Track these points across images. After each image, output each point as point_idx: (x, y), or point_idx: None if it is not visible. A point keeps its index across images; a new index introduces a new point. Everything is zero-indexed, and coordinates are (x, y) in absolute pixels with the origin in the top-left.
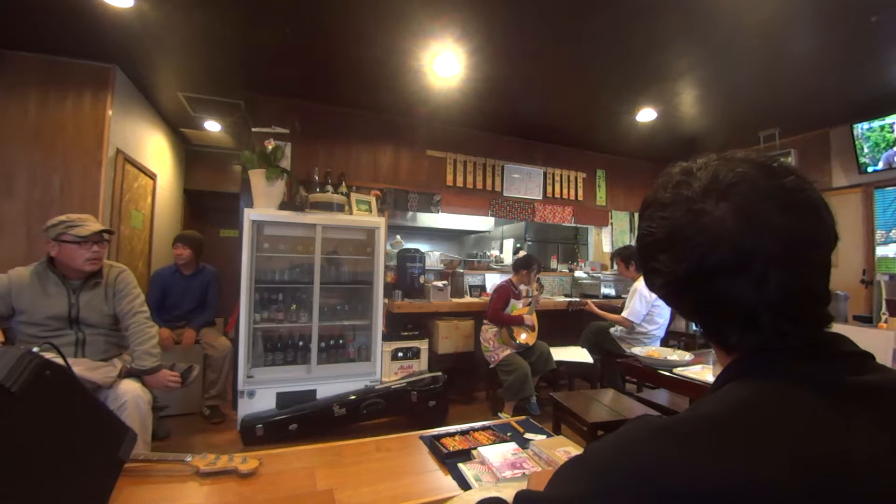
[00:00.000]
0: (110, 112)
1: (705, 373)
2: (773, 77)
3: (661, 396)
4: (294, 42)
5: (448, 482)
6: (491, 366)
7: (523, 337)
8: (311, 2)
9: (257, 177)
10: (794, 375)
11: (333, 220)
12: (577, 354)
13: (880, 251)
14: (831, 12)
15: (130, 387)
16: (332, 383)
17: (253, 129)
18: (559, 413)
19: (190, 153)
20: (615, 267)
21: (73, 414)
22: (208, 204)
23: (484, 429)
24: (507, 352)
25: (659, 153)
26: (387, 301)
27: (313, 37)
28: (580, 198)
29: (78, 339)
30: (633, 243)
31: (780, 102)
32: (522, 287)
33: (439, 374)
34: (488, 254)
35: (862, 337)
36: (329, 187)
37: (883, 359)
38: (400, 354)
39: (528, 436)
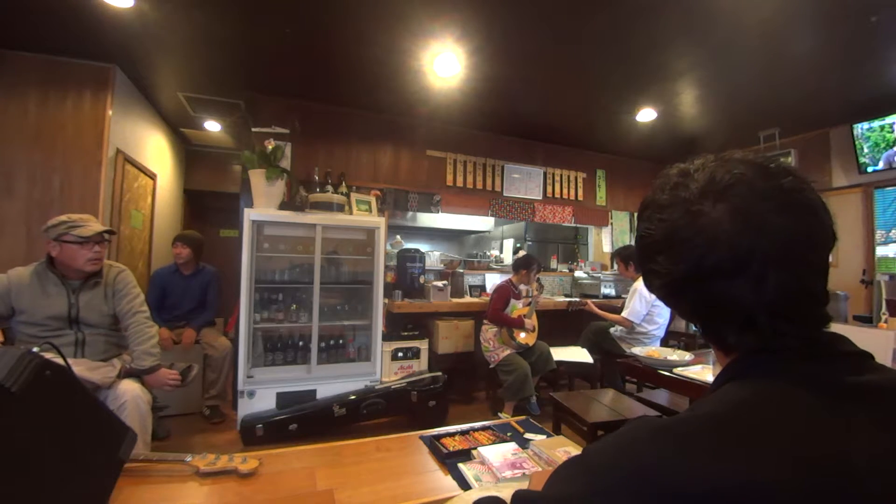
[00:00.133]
0: (110, 112)
1: (705, 373)
2: (773, 77)
3: (661, 396)
4: (294, 42)
5: (448, 482)
6: (491, 366)
7: (523, 337)
8: (311, 2)
9: (257, 177)
10: (793, 375)
11: (333, 220)
12: (577, 354)
13: (880, 251)
14: (831, 12)
15: (130, 387)
16: (332, 383)
17: (253, 129)
18: (559, 413)
19: (190, 153)
20: (615, 267)
21: (73, 414)
22: (208, 204)
23: (484, 429)
24: (507, 352)
25: (659, 153)
26: (387, 301)
27: (313, 37)
28: (580, 198)
29: (77, 339)
30: (633, 243)
31: (780, 102)
32: (522, 287)
33: (439, 374)
34: (488, 254)
35: (862, 337)
36: (329, 187)
37: (883, 359)
38: (400, 354)
39: (528, 436)
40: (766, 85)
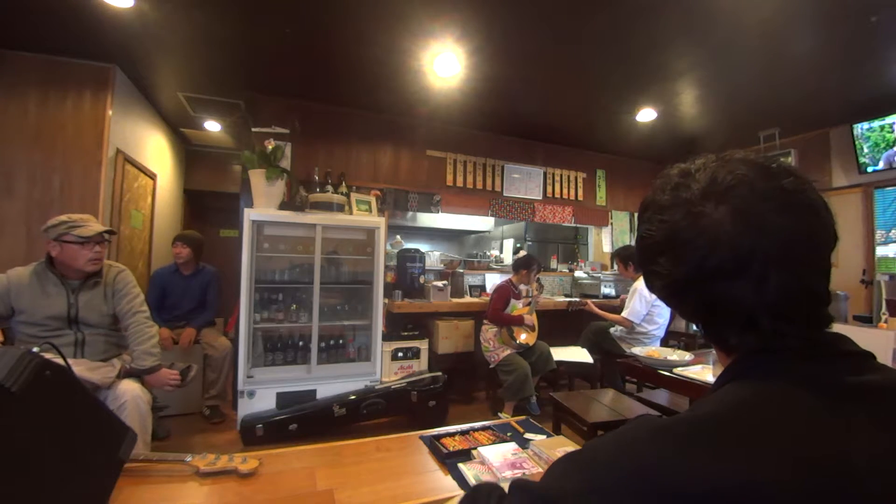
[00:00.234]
0: (110, 112)
1: (705, 373)
2: (773, 77)
3: (661, 396)
4: (294, 42)
5: (448, 482)
6: (491, 366)
7: (523, 337)
8: (311, 2)
9: (257, 177)
10: (794, 376)
11: (333, 220)
12: (577, 354)
13: (880, 251)
14: (831, 12)
15: (130, 387)
16: (332, 383)
17: (253, 129)
18: (559, 413)
19: (190, 153)
20: (615, 267)
21: (73, 414)
22: (208, 204)
23: (484, 429)
24: (507, 352)
25: (659, 153)
26: (387, 301)
27: (313, 37)
28: (580, 198)
29: (77, 339)
30: (633, 243)
31: (780, 102)
32: (522, 287)
33: (439, 374)
34: (488, 254)
35: (862, 337)
36: (329, 187)
37: (883, 359)
38: (400, 354)
39: (528, 436)
40: (766, 85)
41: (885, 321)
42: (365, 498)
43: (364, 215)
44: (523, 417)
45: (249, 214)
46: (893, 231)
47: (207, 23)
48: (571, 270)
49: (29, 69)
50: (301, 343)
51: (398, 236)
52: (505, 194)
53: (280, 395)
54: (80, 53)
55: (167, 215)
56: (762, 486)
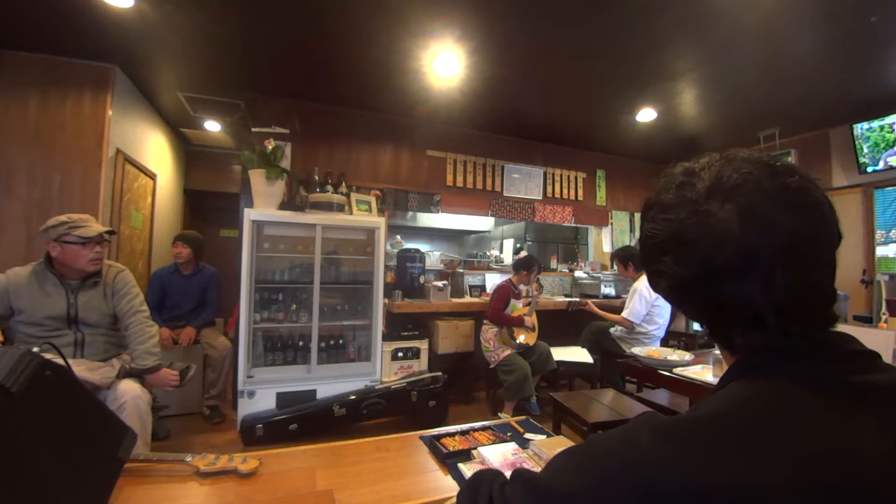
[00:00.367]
0: (110, 112)
1: (705, 373)
2: (773, 77)
3: (661, 396)
4: (294, 42)
5: (448, 482)
6: (491, 366)
7: (523, 337)
8: (311, 2)
9: (257, 177)
10: (798, 374)
11: (333, 220)
12: (577, 354)
13: (880, 251)
14: (831, 12)
15: (130, 387)
16: (332, 383)
17: (253, 129)
18: (559, 413)
19: (190, 153)
20: (615, 267)
21: (73, 414)
22: (208, 204)
23: (484, 429)
24: (508, 352)
25: (659, 153)
26: (387, 301)
27: (313, 37)
28: (580, 198)
29: (77, 339)
30: (633, 243)
31: (780, 102)
32: (522, 287)
33: (439, 374)
34: (488, 254)
35: (862, 337)
36: (329, 187)
37: (883, 359)
38: (400, 354)
39: (528, 436)
40: (766, 85)
41: (885, 321)
42: (365, 498)
43: (364, 215)
44: (523, 417)
45: (249, 214)
46: (893, 231)
47: (207, 23)
48: (571, 270)
49: (29, 69)
50: (301, 343)
51: (398, 236)
52: (505, 194)
53: (280, 395)
54: (80, 54)
55: (167, 215)
56: (764, 485)
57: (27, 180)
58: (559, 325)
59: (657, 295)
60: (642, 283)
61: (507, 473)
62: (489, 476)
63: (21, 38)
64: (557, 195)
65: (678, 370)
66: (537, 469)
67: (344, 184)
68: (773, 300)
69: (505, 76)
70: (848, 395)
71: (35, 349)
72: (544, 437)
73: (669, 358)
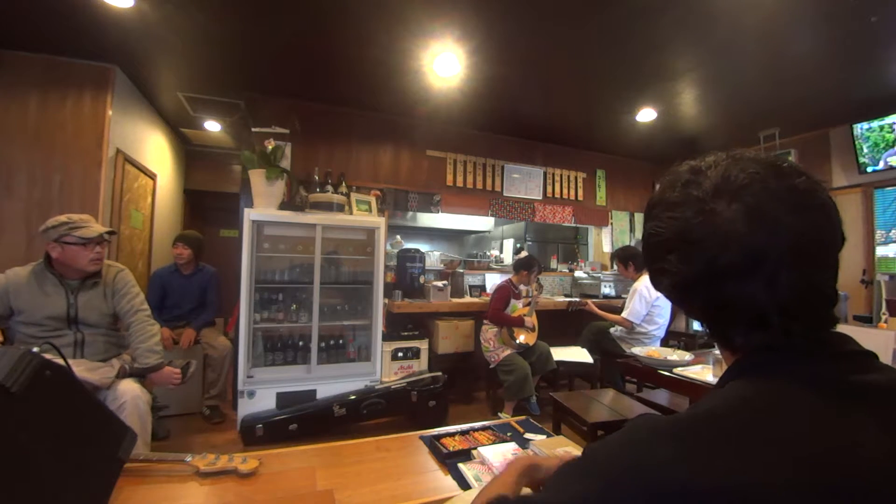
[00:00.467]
0: (110, 112)
1: (705, 373)
2: (773, 77)
3: (661, 396)
4: (294, 42)
5: (448, 482)
6: (491, 366)
7: (523, 337)
8: (311, 2)
9: (257, 177)
10: (798, 374)
11: (333, 220)
12: (577, 354)
13: (880, 251)
14: (831, 12)
15: (129, 387)
16: (332, 383)
17: (253, 129)
18: (559, 413)
19: (190, 153)
20: (615, 267)
21: (73, 414)
22: (208, 204)
23: (484, 429)
24: (507, 352)
25: (659, 153)
26: (387, 301)
27: (313, 37)
28: (580, 198)
29: (76, 339)
30: (633, 243)
31: (780, 102)
32: (522, 287)
33: (439, 374)
34: (488, 254)
35: (862, 337)
36: (329, 187)
37: (883, 358)
38: (400, 354)
39: (528, 436)
40: (766, 85)
41: (885, 321)
42: (365, 498)
43: (364, 215)
44: (523, 417)
45: (249, 214)
46: (893, 231)
47: (207, 23)
48: (571, 270)
49: (29, 69)
50: (301, 343)
51: (398, 236)
52: (505, 194)
53: (280, 395)
54: (80, 54)
55: (167, 215)
56: (765, 485)
57: (27, 180)
58: (559, 325)
59: (657, 295)
60: (642, 283)
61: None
62: None
63: (21, 38)
64: (557, 195)
65: (678, 370)
66: None
67: (344, 184)
68: (777, 301)
69: (505, 76)
70: (847, 395)
71: (35, 349)
72: (544, 437)
73: (669, 358)
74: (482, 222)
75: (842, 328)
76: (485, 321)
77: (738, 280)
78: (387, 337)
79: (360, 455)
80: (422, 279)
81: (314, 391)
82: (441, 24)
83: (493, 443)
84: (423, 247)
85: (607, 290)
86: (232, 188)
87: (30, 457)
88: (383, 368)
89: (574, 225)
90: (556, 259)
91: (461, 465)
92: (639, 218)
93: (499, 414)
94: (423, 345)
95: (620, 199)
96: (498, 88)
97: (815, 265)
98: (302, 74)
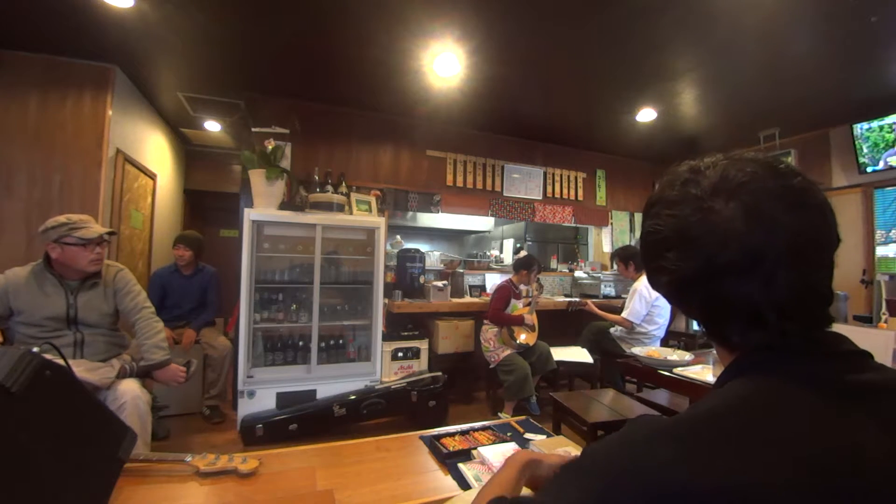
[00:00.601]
0: (110, 112)
1: (705, 373)
2: (773, 77)
3: (661, 396)
4: (294, 42)
5: (448, 482)
6: (491, 366)
7: (523, 337)
8: (311, 2)
9: (257, 177)
10: (795, 373)
11: (333, 220)
12: (577, 354)
13: (880, 251)
14: (831, 12)
15: (129, 387)
16: (332, 383)
17: (253, 129)
18: (559, 413)
19: (190, 153)
20: (615, 267)
21: (73, 414)
22: (208, 204)
23: (484, 429)
24: (508, 352)
25: (659, 153)
26: (387, 301)
27: (313, 37)
28: (580, 198)
29: (76, 339)
30: (633, 243)
31: (780, 102)
32: (523, 287)
33: (439, 374)
34: (488, 254)
35: (862, 337)
36: (329, 187)
37: (883, 359)
38: (400, 354)
39: (528, 436)
40: (766, 85)
41: (885, 321)
42: (365, 498)
43: (364, 215)
44: (523, 417)
45: (249, 214)
46: (893, 231)
47: (207, 23)
48: (571, 270)
49: (29, 69)
50: (301, 343)
51: (398, 236)
52: (505, 194)
53: (280, 395)
54: (80, 54)
55: (167, 215)
56: (765, 485)
57: (27, 180)
58: (559, 325)
59: (657, 295)
60: (642, 283)
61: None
62: None
63: (21, 38)
64: (557, 195)
65: (678, 370)
66: None
67: (344, 184)
68: (774, 299)
69: (505, 76)
70: (845, 395)
71: (35, 349)
72: (544, 437)
73: (669, 358)
74: (482, 222)
75: (842, 328)
76: (485, 321)
77: (735, 278)
78: (387, 337)
79: (360, 455)
80: (422, 279)
81: (314, 391)
82: (441, 24)
83: (493, 443)
84: (423, 247)
85: (607, 290)
86: (232, 188)
87: (30, 457)
88: (383, 368)
89: (574, 225)
90: (556, 259)
91: (461, 465)
92: (639, 218)
93: (499, 414)
94: (423, 345)
95: (620, 199)
96: (498, 88)
97: (811, 264)
98: (302, 74)
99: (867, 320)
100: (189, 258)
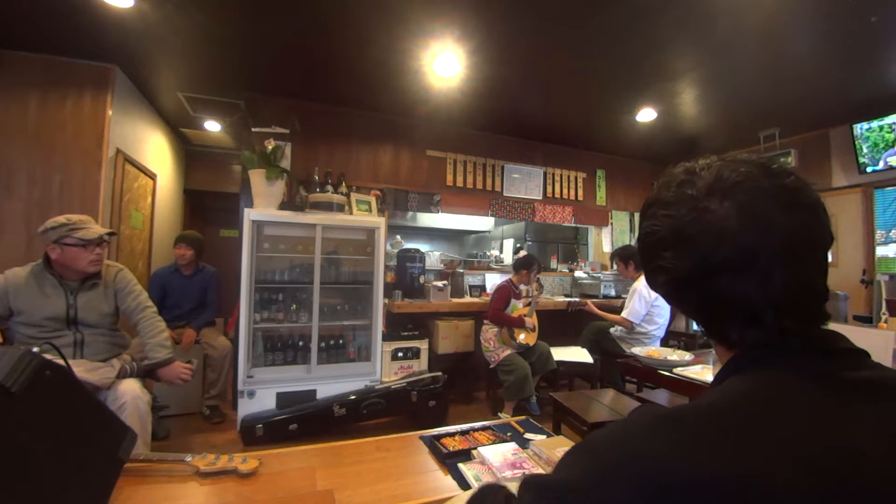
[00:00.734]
0: (110, 112)
1: (705, 373)
2: (773, 77)
3: (661, 396)
4: (294, 42)
5: (448, 482)
6: (491, 366)
7: (523, 337)
8: (311, 2)
9: (257, 177)
10: (793, 370)
11: (333, 220)
12: (577, 354)
13: (880, 251)
14: (831, 12)
15: (129, 387)
16: (332, 383)
17: (253, 129)
18: (559, 413)
19: (190, 153)
20: (615, 267)
21: (73, 414)
22: (208, 204)
23: (484, 429)
24: (508, 352)
25: (659, 153)
26: (387, 301)
27: (313, 37)
28: (580, 198)
29: (76, 339)
30: (633, 243)
31: (780, 102)
32: (523, 287)
33: (439, 374)
34: (488, 254)
35: (862, 337)
36: (329, 187)
37: (883, 358)
38: (400, 354)
39: (528, 436)
40: (766, 85)
41: (885, 321)
42: (365, 498)
43: (364, 215)
44: (523, 417)
45: (249, 214)
46: (893, 231)
47: (207, 23)
48: (571, 270)
49: (29, 69)
50: (301, 343)
51: (398, 236)
52: (505, 194)
53: (280, 395)
54: (80, 54)
55: (167, 215)
56: (762, 478)
57: (27, 180)
58: (559, 325)
59: (657, 295)
60: (642, 282)
61: (506, 474)
62: (491, 491)
63: (21, 38)
64: (557, 195)
65: (678, 370)
66: (537, 469)
67: (344, 184)
68: (770, 297)
69: (505, 76)
70: (843, 392)
71: (35, 349)
72: (544, 437)
73: (669, 358)
74: (482, 222)
75: (842, 328)
76: (485, 321)
77: (731, 276)
78: (387, 337)
79: (360, 455)
80: (422, 279)
81: (314, 391)
82: (441, 24)
83: (493, 443)
84: (423, 247)
85: (607, 290)
86: (232, 188)
87: (30, 457)
88: (383, 368)
89: (574, 225)
90: (556, 259)
91: (461, 465)
92: (638, 218)
93: (499, 414)
94: (423, 345)
95: (620, 199)
96: (498, 88)
97: (806, 263)
98: (302, 74)
99: (867, 320)
100: (190, 257)
